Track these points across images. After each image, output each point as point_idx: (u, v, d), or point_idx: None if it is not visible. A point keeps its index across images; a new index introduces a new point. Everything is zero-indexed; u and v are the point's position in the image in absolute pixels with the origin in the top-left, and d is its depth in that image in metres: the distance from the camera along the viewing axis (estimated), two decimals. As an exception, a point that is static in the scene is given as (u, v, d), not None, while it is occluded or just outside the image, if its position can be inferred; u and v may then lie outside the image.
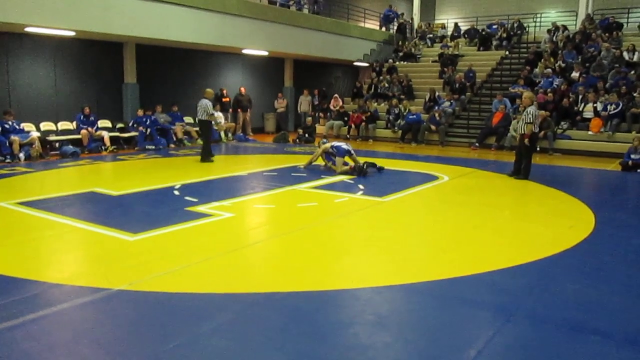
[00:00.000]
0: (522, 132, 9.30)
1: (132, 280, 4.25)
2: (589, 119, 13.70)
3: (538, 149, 11.84)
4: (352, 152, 9.97)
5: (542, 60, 16.72)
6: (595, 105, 13.85)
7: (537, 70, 16.44)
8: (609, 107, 13.50)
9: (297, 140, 15.75)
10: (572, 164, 11.71)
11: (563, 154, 13.20)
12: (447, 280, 4.42)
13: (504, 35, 19.66)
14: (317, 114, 18.63)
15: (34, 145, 11.29)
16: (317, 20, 18.20)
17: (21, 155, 10.97)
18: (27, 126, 11.73)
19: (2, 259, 4.84)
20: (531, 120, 9.14)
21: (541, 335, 3.43)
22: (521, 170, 9.44)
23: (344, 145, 10.07)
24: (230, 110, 16.81)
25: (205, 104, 11.09)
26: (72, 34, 12.08)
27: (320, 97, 19.08)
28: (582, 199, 7.81)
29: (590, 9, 20.04)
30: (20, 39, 12.15)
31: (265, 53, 16.94)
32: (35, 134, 11.51)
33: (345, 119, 17.00)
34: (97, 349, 3.19)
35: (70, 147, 11.95)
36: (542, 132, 12.30)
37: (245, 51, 16.32)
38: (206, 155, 11.15)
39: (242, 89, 17.21)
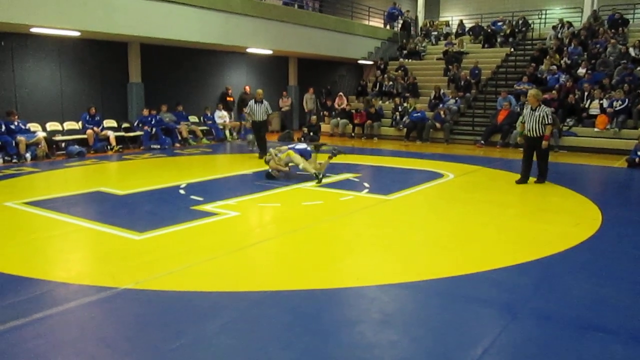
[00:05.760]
0: (538, 134, 8.67)
1: (138, 279, 4.27)
2: (595, 116, 13.62)
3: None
4: (311, 151, 9.30)
5: (548, 57, 16.62)
6: (601, 101, 13.76)
7: (542, 67, 16.35)
8: (615, 103, 13.42)
9: (302, 138, 15.73)
10: (578, 161, 11.65)
11: (569, 151, 13.14)
12: (452, 278, 4.41)
13: (509, 32, 19.57)
14: (322, 113, 18.62)
15: (40, 145, 11.36)
16: (321, 19, 18.17)
17: (27, 155, 11.03)
18: (33, 126, 11.78)
19: (9, 258, 4.87)
20: (549, 122, 8.68)
21: (547, 333, 3.42)
22: (538, 174, 8.90)
23: (300, 145, 9.47)
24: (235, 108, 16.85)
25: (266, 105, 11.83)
26: (77, 34, 12.11)
27: (325, 95, 19.06)
28: (588, 197, 7.77)
29: (596, 5, 19.92)
30: (25, 40, 12.19)
31: (269, 52, 16.93)
32: (41, 134, 11.57)
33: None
34: (104, 348, 3.21)
35: (76, 146, 12.01)
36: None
37: (249, 50, 16.31)
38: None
39: (247, 88, 17.22)
